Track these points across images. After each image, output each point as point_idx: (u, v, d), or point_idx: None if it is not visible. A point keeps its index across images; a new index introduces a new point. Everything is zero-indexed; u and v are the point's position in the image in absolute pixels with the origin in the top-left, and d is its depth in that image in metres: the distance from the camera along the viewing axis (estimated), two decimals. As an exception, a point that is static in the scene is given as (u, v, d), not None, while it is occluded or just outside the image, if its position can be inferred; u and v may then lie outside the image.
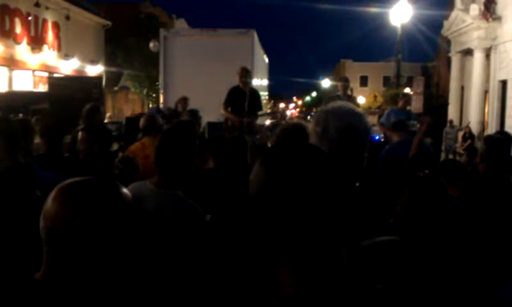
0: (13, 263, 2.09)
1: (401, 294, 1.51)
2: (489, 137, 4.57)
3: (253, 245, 2.25)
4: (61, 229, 1.53)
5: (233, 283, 2.51)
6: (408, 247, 1.88)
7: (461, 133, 23.45)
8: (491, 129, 23.49)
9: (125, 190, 1.68)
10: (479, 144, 18.63)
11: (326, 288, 1.18)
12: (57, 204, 1.55)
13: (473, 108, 25.50)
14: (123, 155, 5.86)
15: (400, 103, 10.43)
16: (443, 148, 22.67)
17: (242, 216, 2.69)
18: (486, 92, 25.13)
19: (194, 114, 7.77)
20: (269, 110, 21.57)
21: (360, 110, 2.22)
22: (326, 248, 1.19)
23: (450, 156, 21.59)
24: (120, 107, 37.10)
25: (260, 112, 9.71)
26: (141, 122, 6.41)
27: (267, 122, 13.26)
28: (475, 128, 23.77)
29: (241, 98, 9.05)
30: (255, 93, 9.39)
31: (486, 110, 25.39)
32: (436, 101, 36.76)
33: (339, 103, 2.25)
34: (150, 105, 34.35)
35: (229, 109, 9.16)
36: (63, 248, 1.54)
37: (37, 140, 4.74)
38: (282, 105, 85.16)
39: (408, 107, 11.99)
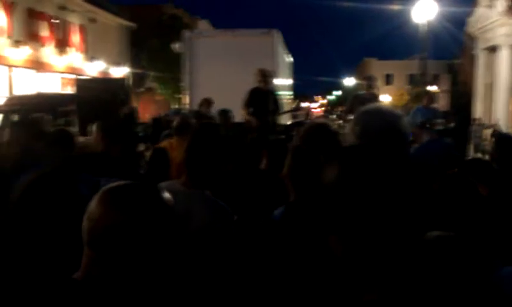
0: (55, 262, 2.13)
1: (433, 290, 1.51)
2: (498, 135, 4.55)
3: (286, 248, 2.26)
4: (104, 232, 1.56)
5: (261, 284, 2.52)
6: (462, 242, 1.88)
7: (487, 131, 23.10)
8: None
9: (166, 195, 1.71)
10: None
11: (401, 288, 1.20)
12: (103, 208, 1.58)
13: (500, 105, 25.13)
14: (157, 147, 5.87)
15: (425, 101, 10.32)
16: (471, 146, 22.32)
17: (294, 218, 2.69)
18: (513, 89, 24.76)
19: (225, 114, 7.72)
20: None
21: (398, 111, 2.24)
22: (400, 244, 1.21)
23: (479, 154, 21.27)
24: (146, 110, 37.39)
25: (281, 111, 9.69)
26: (175, 122, 6.42)
27: (288, 122, 13.22)
28: (502, 125, 23.41)
29: (262, 99, 9.06)
30: (273, 93, 9.41)
31: (512, 107, 25.00)
32: (464, 99, 36.29)
33: (378, 104, 2.28)
34: (176, 106, 34.54)
35: (250, 109, 9.18)
36: (105, 251, 1.57)
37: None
38: (306, 104, 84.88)
39: (435, 105, 11.85)
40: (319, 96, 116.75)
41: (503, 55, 24.80)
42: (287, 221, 2.61)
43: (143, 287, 1.63)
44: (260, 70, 9.33)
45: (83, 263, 1.62)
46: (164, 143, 6.21)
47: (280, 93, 11.79)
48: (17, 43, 20.59)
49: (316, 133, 3.42)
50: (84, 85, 9.87)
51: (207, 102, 9.86)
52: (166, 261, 1.68)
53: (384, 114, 2.14)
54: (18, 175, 2.89)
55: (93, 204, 1.61)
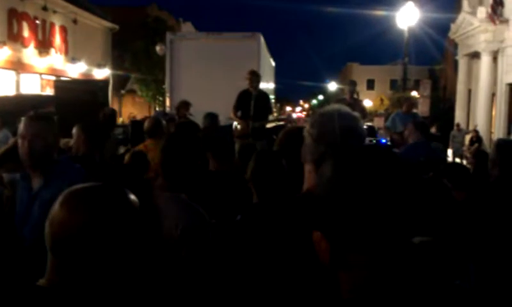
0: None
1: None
2: (500, 142, 4.54)
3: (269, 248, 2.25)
4: (67, 237, 1.50)
5: (238, 287, 2.50)
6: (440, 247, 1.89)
7: (468, 137, 23.36)
8: (499, 132, 23.39)
9: (132, 196, 1.65)
10: (487, 148, 18.56)
11: (394, 286, 1.20)
12: (65, 211, 1.52)
13: (480, 111, 25.40)
14: (135, 150, 5.84)
15: (404, 107, 10.38)
16: (450, 151, 22.57)
17: (253, 220, 2.69)
18: (493, 95, 25.03)
19: (213, 117, 7.69)
20: (275, 114, 21.56)
21: (355, 113, 2.21)
22: (396, 242, 1.22)
23: (458, 159, 21.48)
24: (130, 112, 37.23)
25: (271, 117, 9.66)
26: (146, 124, 6.39)
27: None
28: (482, 131, 23.66)
29: (250, 102, 9.03)
30: (264, 96, 9.37)
31: (493, 113, 25.28)
32: (444, 104, 36.63)
33: (335, 106, 2.25)
34: (157, 108, 34.42)
35: (239, 112, 9.14)
36: (69, 255, 1.51)
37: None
38: (289, 108, 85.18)
39: (415, 110, 11.94)
40: (303, 101, 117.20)
41: (484, 61, 25.07)
42: (246, 223, 2.64)
43: (109, 292, 1.57)
44: (252, 71, 9.28)
45: (47, 268, 1.55)
46: (140, 146, 6.16)
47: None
48: (-3, 43, 20.40)
49: (295, 136, 3.42)
50: (63, 86, 9.77)
51: (185, 105, 9.81)
52: (134, 264, 1.64)
53: (342, 117, 2.12)
54: None
55: (55, 208, 1.54)
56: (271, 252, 2.24)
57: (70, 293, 1.52)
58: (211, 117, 7.63)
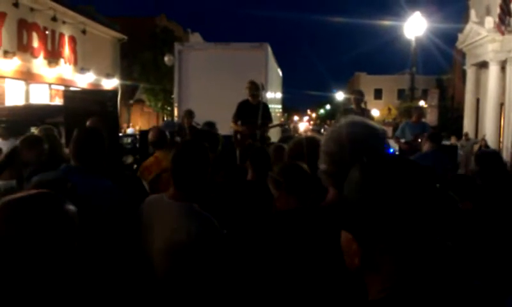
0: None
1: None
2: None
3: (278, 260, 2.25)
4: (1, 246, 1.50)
5: (250, 296, 2.51)
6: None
7: (476, 146, 23.28)
8: (507, 142, 23.29)
9: (68, 205, 1.65)
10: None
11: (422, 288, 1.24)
12: None
13: (488, 121, 25.31)
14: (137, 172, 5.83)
15: (414, 117, 10.39)
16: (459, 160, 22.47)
17: (263, 230, 2.69)
18: (501, 104, 24.95)
19: (211, 126, 7.75)
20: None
21: (373, 123, 2.17)
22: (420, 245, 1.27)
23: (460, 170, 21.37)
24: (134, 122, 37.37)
25: (270, 124, 9.78)
26: (150, 136, 6.28)
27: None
28: (490, 140, 23.58)
29: (251, 112, 9.12)
30: (264, 106, 9.47)
31: (502, 122, 25.19)
32: (451, 114, 36.54)
33: (351, 120, 2.21)
34: (165, 118, 34.52)
35: (239, 122, 9.24)
36: (3, 265, 1.51)
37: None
38: (296, 118, 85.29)
39: (423, 120, 11.95)
40: (310, 110, 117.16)
41: (492, 71, 25.02)
42: (267, 229, 2.65)
43: (43, 296, 1.55)
44: (251, 81, 9.38)
45: None
46: (150, 159, 6.10)
47: (271, 106, 11.83)
48: (7, 54, 20.51)
49: (305, 146, 3.45)
50: (72, 96, 9.79)
51: (189, 114, 9.92)
52: (76, 268, 1.64)
53: (352, 125, 2.10)
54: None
55: None
56: (296, 257, 2.24)
57: (8, 301, 1.51)
58: (209, 125, 7.71)
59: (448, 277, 1.36)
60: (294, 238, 2.37)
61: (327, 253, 1.88)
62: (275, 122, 11.63)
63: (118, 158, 7.32)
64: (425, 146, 7.12)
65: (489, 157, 4.84)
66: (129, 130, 26.80)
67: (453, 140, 22.31)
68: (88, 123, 6.35)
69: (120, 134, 14.13)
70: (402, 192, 1.24)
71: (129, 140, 14.43)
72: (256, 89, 9.26)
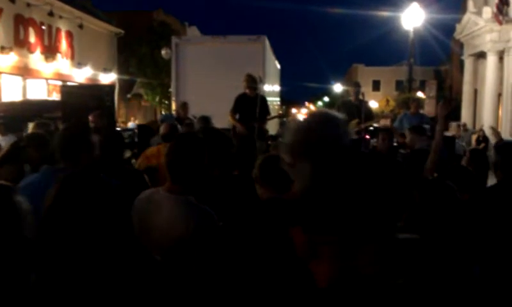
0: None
1: (418, 290, 1.57)
2: (503, 145, 4.52)
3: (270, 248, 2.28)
4: None
5: (245, 287, 2.52)
6: (426, 246, 1.91)
7: (474, 137, 23.29)
8: (505, 132, 23.32)
9: (19, 198, 1.65)
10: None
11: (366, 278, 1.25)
12: None
13: (486, 111, 25.33)
14: (149, 166, 5.85)
15: (412, 108, 10.41)
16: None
17: (257, 221, 2.71)
18: (499, 95, 24.97)
19: (206, 120, 7.78)
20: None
21: (334, 113, 2.14)
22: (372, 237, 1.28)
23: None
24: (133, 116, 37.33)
25: (269, 117, 9.79)
26: (162, 129, 6.44)
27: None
28: (488, 131, 23.59)
29: (249, 105, 9.13)
30: (262, 99, 9.47)
31: (500, 113, 25.22)
32: (449, 104, 36.55)
33: (313, 111, 2.24)
34: (163, 112, 34.50)
35: (237, 115, 9.25)
36: None
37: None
38: (294, 110, 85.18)
39: (421, 111, 11.97)
40: (308, 103, 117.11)
41: (490, 61, 25.02)
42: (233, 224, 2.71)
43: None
44: (248, 75, 9.39)
45: None
46: (152, 149, 6.19)
47: (269, 98, 11.85)
48: (4, 49, 20.46)
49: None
50: (69, 91, 9.83)
51: (183, 106, 9.97)
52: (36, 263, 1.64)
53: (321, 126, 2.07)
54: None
55: None
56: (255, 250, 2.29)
57: None
58: (204, 120, 7.75)
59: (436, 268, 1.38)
60: (250, 230, 2.42)
61: (278, 244, 1.91)
62: (273, 114, 11.65)
63: (119, 153, 7.33)
64: (414, 141, 6.88)
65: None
66: (131, 124, 26.74)
67: (453, 130, 22.19)
68: (90, 118, 6.36)
69: (118, 128, 14.14)
70: (346, 186, 1.24)
71: (128, 134, 14.43)
72: (253, 82, 9.27)
